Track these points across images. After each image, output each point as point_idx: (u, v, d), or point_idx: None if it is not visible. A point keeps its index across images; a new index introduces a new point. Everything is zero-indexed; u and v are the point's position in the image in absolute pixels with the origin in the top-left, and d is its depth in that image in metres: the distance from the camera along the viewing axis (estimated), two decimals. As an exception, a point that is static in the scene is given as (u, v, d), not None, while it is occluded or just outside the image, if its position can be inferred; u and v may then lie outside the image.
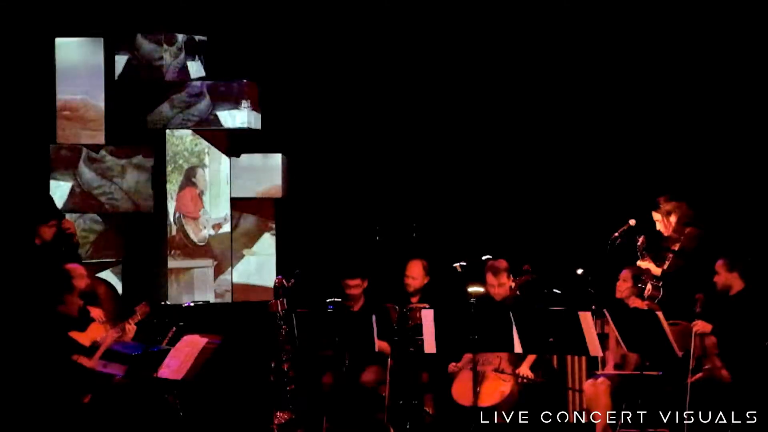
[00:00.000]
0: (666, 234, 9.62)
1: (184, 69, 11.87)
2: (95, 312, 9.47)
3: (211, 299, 11.75)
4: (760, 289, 9.06)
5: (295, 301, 9.88)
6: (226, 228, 11.93)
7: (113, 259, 11.82)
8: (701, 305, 9.00)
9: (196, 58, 11.93)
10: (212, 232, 11.90)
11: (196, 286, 11.79)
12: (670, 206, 9.59)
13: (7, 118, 11.45)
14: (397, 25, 11.74)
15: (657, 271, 9.40)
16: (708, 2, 11.07)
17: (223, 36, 11.88)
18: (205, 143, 11.87)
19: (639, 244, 9.52)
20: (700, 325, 8.83)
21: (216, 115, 11.76)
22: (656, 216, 9.64)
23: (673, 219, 9.59)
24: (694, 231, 9.51)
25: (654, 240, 9.71)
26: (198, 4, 11.80)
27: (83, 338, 9.28)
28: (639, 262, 9.49)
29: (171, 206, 11.83)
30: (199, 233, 11.87)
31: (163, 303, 9.97)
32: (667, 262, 9.47)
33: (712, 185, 10.93)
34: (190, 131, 11.84)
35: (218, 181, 11.93)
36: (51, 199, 11.15)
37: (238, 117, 11.76)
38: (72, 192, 11.71)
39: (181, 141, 11.87)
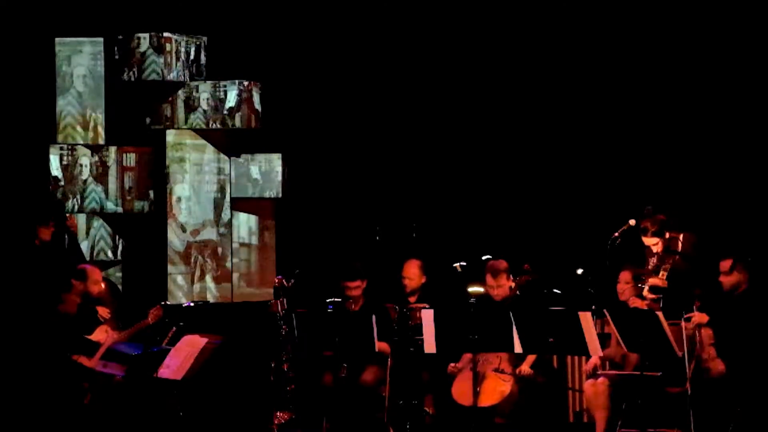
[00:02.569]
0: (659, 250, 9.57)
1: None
2: (102, 310, 9.48)
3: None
4: (763, 288, 9.05)
5: (295, 301, 9.88)
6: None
7: (113, 259, 11.83)
8: (699, 300, 9.03)
9: (201, 48, 11.94)
10: (191, 238, 11.89)
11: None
12: (657, 226, 9.54)
13: (7, 119, 11.45)
14: (397, 26, 11.74)
15: (664, 283, 9.36)
16: (707, 4, 11.08)
17: (223, 36, 11.88)
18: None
19: (664, 267, 9.45)
20: (698, 317, 8.84)
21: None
22: (650, 240, 9.56)
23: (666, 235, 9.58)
24: (690, 236, 9.49)
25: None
26: (198, 4, 11.80)
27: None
28: (651, 279, 9.40)
29: (176, 206, 11.84)
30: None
31: (163, 303, 9.97)
32: (663, 272, 9.39)
33: (710, 185, 10.94)
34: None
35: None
36: (53, 197, 11.14)
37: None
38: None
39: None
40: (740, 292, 9.05)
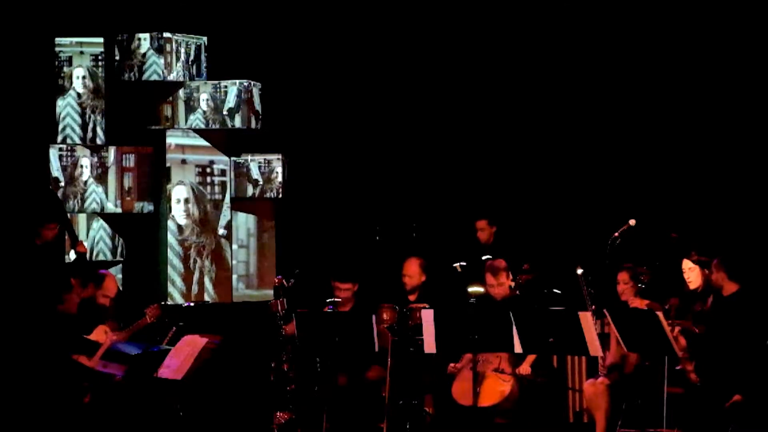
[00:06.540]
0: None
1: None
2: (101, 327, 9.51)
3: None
4: (754, 293, 9.00)
5: (295, 301, 9.88)
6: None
7: (113, 259, 11.84)
8: (675, 309, 9.03)
9: (201, 48, 11.94)
10: (190, 239, 11.87)
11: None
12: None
13: (7, 119, 11.45)
14: (397, 26, 11.75)
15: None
16: (708, 5, 11.10)
17: (223, 36, 11.88)
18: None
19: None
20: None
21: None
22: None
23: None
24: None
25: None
26: (198, 4, 11.81)
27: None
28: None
29: (176, 207, 11.85)
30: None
31: (163, 303, 9.97)
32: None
33: (710, 185, 10.95)
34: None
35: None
36: (54, 196, 11.13)
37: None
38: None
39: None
40: (729, 294, 8.96)
